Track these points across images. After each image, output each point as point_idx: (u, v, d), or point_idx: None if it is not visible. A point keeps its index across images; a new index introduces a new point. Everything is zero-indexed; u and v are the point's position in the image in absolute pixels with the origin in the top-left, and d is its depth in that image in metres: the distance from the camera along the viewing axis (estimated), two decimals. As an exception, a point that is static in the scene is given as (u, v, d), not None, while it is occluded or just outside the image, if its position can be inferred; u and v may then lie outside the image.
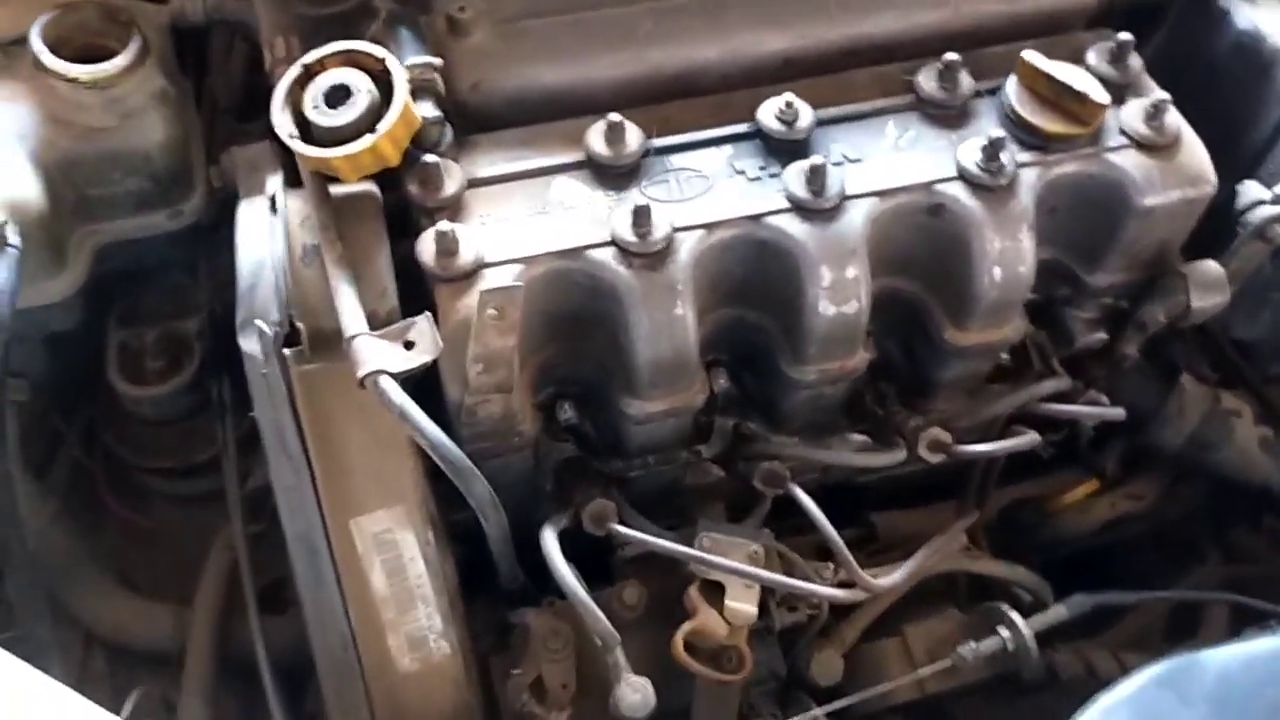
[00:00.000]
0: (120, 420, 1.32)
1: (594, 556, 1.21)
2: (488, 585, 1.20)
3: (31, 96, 1.12)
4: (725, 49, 1.23)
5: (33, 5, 1.22)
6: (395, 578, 1.07)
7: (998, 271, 1.13)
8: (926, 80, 1.18)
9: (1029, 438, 1.21)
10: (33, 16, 1.17)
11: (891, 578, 1.15)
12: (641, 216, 1.06)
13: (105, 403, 1.31)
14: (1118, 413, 1.24)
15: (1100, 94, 1.14)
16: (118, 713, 1.19)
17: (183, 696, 1.21)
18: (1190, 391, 1.37)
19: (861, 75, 1.23)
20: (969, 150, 1.14)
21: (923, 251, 1.17)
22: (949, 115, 1.18)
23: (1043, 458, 1.37)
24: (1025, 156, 1.15)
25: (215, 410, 1.28)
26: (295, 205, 1.09)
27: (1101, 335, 1.30)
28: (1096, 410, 1.23)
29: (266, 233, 1.08)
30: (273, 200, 1.09)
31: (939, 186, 1.13)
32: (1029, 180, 1.14)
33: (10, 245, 1.03)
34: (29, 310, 1.15)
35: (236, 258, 1.07)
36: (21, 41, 1.14)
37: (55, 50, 1.13)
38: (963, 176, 1.13)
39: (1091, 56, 1.20)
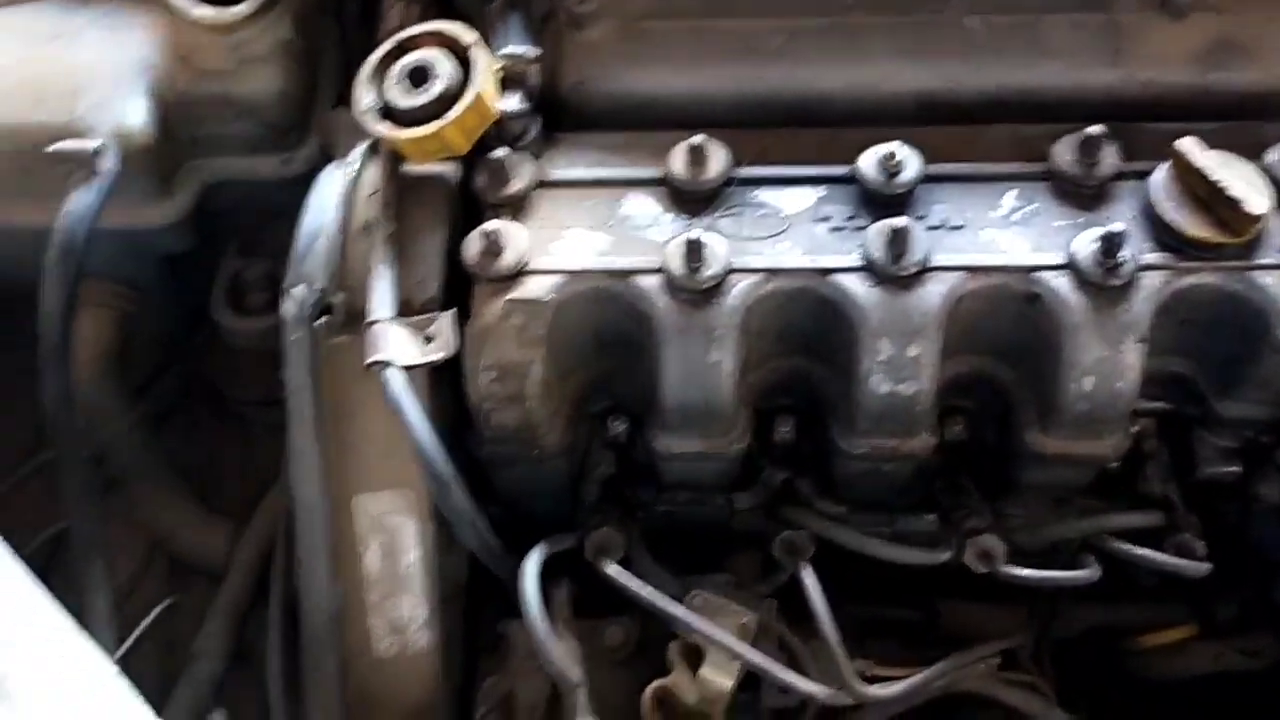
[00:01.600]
0: (223, 344, 1.38)
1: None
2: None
3: (163, 30, 1.18)
4: (855, 80, 1.14)
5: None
6: (388, 561, 1.07)
7: (1089, 382, 1.00)
8: (1063, 151, 1.04)
9: (1086, 573, 1.07)
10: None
11: (888, 689, 1.05)
12: (694, 250, 1.00)
13: (214, 326, 1.37)
14: (1199, 569, 1.07)
15: (1257, 203, 0.97)
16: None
17: (209, 614, 1.27)
18: (1339, 552, 1.17)
19: (999, 132, 1.10)
20: (1087, 239, 1.00)
21: (1016, 340, 1.04)
22: (1082, 194, 1.04)
23: (1143, 584, 1.22)
24: (1155, 257, 1.00)
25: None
26: (369, 177, 1.09)
27: (1235, 468, 1.13)
28: (1175, 561, 1.07)
29: (336, 199, 1.09)
30: (349, 167, 1.10)
31: (1041, 274, 1.00)
32: (1151, 285, 0.99)
33: (101, 171, 1.08)
34: (136, 230, 1.22)
35: (301, 219, 1.09)
36: (171, -27, 1.19)
37: (198, -13, 1.18)
38: (1072, 267, 0.99)
39: (1273, 154, 1.03)
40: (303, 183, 1.28)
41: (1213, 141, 1.02)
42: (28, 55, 1.16)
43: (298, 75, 1.21)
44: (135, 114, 1.14)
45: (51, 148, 1.08)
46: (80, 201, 1.06)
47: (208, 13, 1.15)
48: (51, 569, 1.32)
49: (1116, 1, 1.13)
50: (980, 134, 1.10)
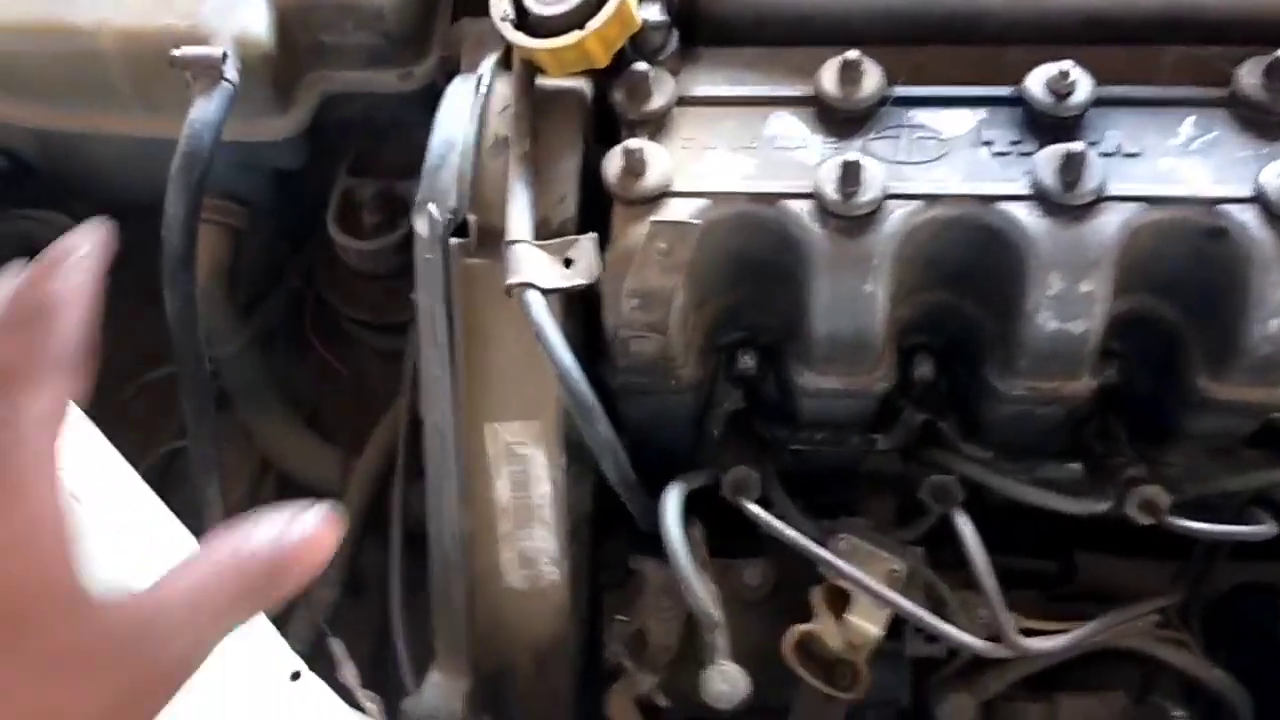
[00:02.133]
0: (334, 266, 1.35)
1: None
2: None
3: (282, -67, 1.13)
4: (1017, -6, 1.06)
5: None
6: (519, 492, 1.04)
7: (1276, 324, 0.93)
8: (1249, 75, 0.97)
9: (1263, 528, 1.01)
10: None
11: (1049, 643, 1.00)
12: (850, 173, 0.94)
13: (324, 247, 1.34)
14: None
15: None
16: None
17: (324, 543, 1.25)
18: None
19: (1172, 54, 1.02)
20: (1276, 170, 0.92)
21: (1192, 277, 0.97)
22: (1268, 123, 0.96)
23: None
24: (1352, 190, 0.93)
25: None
26: (501, 91, 1.04)
27: None
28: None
29: (466, 114, 1.04)
30: (479, 81, 1.05)
31: (1226, 207, 0.93)
32: (1348, 221, 0.92)
33: (226, 79, 1.04)
34: (254, 144, 1.18)
35: (431, 134, 1.04)
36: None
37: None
38: (1260, 200, 0.92)
39: None
40: (420, 99, 1.24)
41: None
42: (146, -43, 1.12)
43: (415, -17, 1.16)
44: (257, 20, 1.10)
45: (176, 53, 1.03)
46: (205, 109, 1.02)
47: (331, -85, 1.10)
48: (163, 488, 1.31)
49: (1302, -87, 1.05)
50: (1151, 55, 1.02)
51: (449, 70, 1.20)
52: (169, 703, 0.52)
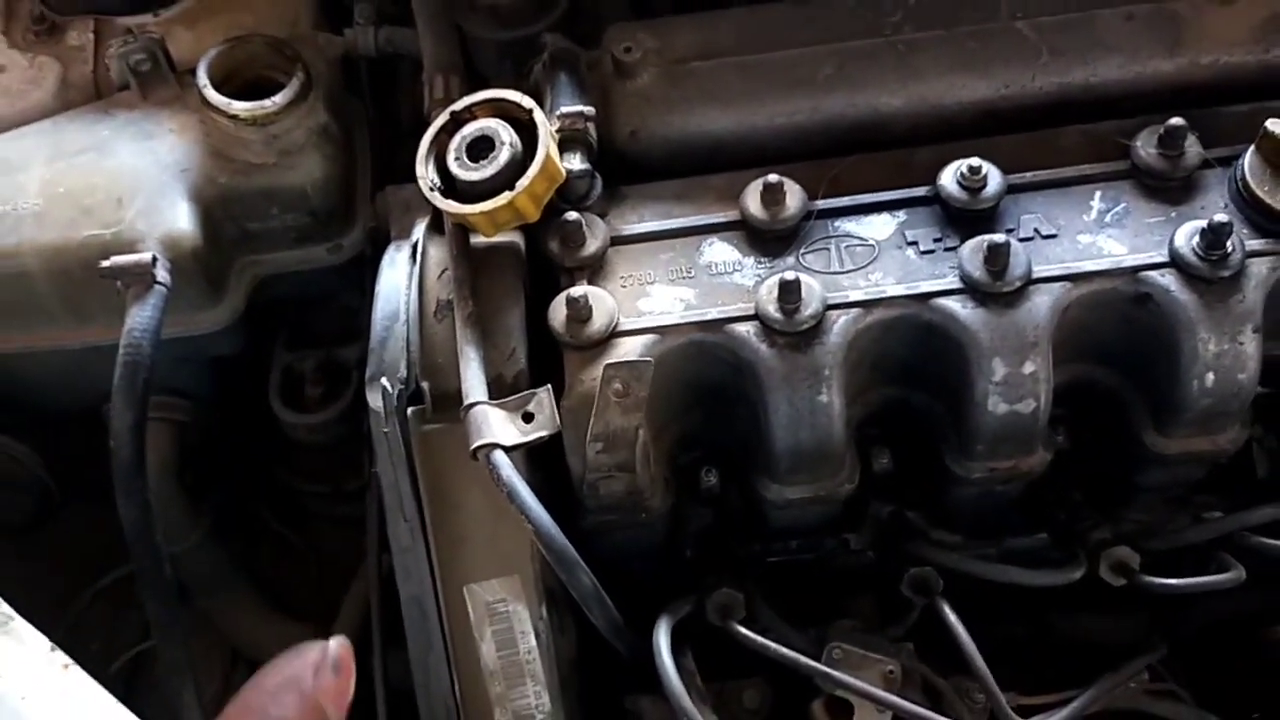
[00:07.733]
0: (282, 442, 1.34)
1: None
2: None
3: (199, 128, 1.14)
4: (915, 98, 1.11)
5: (217, 30, 1.24)
6: (506, 650, 1.03)
7: (1211, 378, 0.97)
8: (1145, 145, 1.02)
9: (1231, 575, 1.04)
10: (215, 43, 1.19)
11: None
12: (789, 291, 0.96)
13: (269, 424, 1.33)
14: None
15: (1358, 176, 0.95)
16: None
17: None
18: None
19: (1070, 134, 1.08)
20: (1187, 233, 0.97)
21: (1123, 343, 1.02)
22: (1169, 188, 1.02)
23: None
24: (1257, 244, 0.98)
25: (365, 442, 1.28)
26: (436, 255, 1.05)
27: (1346, 446, 1.11)
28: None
29: (405, 283, 1.05)
30: (415, 248, 1.06)
31: (1147, 274, 0.97)
32: (1259, 273, 0.97)
33: (159, 283, 1.04)
34: (189, 337, 1.18)
35: (374, 306, 1.05)
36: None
37: (225, 82, 1.14)
38: (1177, 264, 0.97)
39: (1360, 124, 1.01)
40: (350, 268, 1.25)
41: (1286, 118, 1.01)
42: (61, 170, 1.12)
43: (338, 160, 1.18)
44: (182, 218, 1.10)
45: (105, 264, 1.03)
46: (142, 316, 1.02)
47: (246, 106, 1.11)
48: (131, 692, 1.27)
49: (1165, -10, 1.12)
50: (1050, 138, 1.08)
51: (376, 238, 1.22)
52: None
